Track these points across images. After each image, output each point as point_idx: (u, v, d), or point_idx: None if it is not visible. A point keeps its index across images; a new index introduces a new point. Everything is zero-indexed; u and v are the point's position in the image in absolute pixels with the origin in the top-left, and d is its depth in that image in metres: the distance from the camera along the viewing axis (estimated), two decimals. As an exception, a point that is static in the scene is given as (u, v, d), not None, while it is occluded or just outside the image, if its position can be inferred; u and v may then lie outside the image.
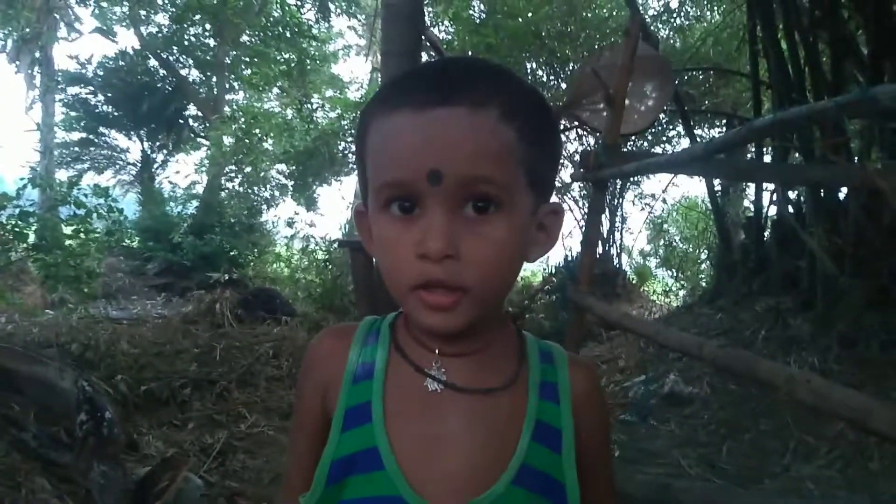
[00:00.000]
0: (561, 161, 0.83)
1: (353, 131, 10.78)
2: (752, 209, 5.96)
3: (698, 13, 9.04)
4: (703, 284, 8.35)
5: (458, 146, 0.64)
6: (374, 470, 0.70)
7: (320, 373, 0.78)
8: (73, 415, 2.88)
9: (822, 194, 4.39)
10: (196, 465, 3.17)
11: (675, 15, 8.93)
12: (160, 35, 13.03)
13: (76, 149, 13.33)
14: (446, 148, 0.64)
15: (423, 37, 4.85)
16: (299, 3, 12.85)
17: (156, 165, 13.65)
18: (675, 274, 10.68)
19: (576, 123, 8.10)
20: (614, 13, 8.30)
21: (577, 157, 8.20)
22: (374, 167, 0.69)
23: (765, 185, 5.66)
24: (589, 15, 8.19)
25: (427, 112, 0.65)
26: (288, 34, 12.51)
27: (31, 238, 7.64)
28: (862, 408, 1.55)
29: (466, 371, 0.73)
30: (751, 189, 7.06)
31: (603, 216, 7.43)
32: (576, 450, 0.74)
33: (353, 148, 0.79)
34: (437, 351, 0.74)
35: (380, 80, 6.34)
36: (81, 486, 2.61)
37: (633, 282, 9.70)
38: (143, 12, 12.69)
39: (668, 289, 10.32)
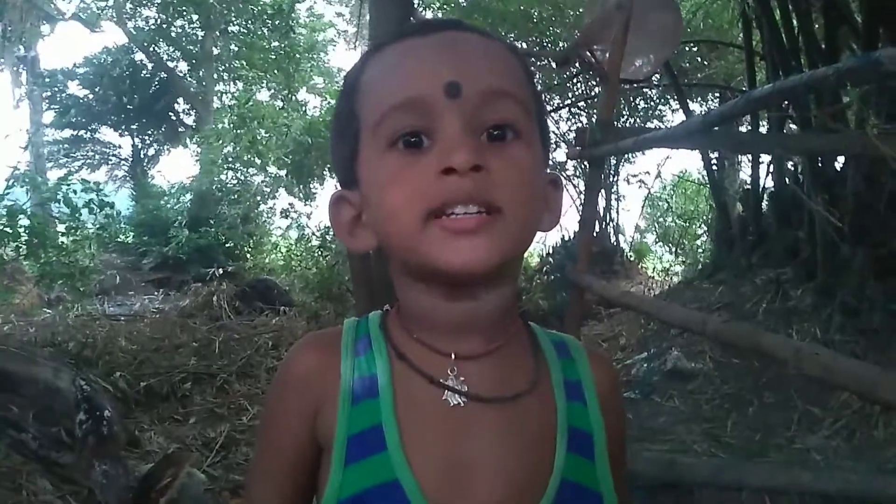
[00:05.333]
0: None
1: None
2: (749, 182, 5.93)
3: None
4: (702, 259, 8.33)
5: (475, 59, 0.59)
6: None
7: (305, 394, 0.65)
8: (72, 414, 2.85)
9: (820, 164, 4.35)
10: (199, 460, 3.16)
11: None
12: (147, 28, 12.90)
13: (67, 146, 13.25)
14: (463, 61, 0.58)
15: (412, 21, 4.77)
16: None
17: (147, 160, 13.57)
18: (672, 250, 10.66)
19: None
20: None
21: (571, 136, 8.17)
22: (374, 99, 0.60)
23: (761, 157, 5.62)
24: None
25: (436, 34, 0.61)
26: (276, 22, 12.37)
27: (24, 238, 7.59)
28: (869, 379, 1.53)
29: (487, 377, 0.63)
30: (746, 162, 7.04)
31: (599, 194, 7.41)
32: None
33: (332, 122, 0.69)
34: (452, 356, 0.62)
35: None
36: (83, 486, 2.60)
37: (632, 259, 9.69)
38: (129, 5, 12.56)
39: (666, 265, 10.31)
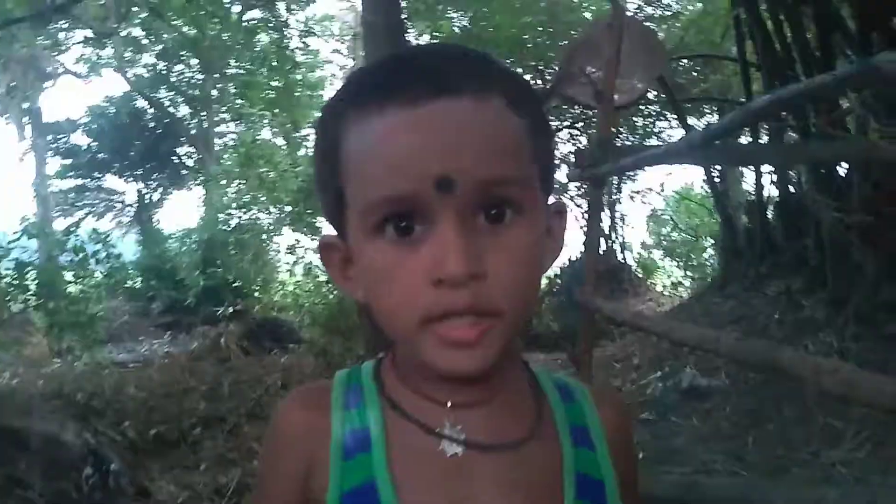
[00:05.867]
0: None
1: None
2: (753, 193, 5.89)
3: (676, 3, 9.01)
4: (710, 273, 8.27)
5: (467, 144, 0.53)
6: None
7: (294, 454, 0.62)
8: (79, 468, 2.81)
9: (823, 171, 4.31)
10: (211, 508, 3.10)
11: (654, 6, 8.92)
12: (147, 76, 13.08)
13: (72, 196, 13.36)
14: (454, 148, 0.52)
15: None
16: (283, 32, 12.87)
17: (152, 205, 13.66)
18: (680, 264, 10.60)
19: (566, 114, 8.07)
20: (595, 7, 8.31)
21: (571, 157, 8.17)
22: (360, 183, 0.55)
23: (763, 167, 5.59)
24: (572, 17, 8.20)
25: (423, 106, 0.53)
26: (274, 62, 12.52)
27: (32, 289, 7.62)
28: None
29: (486, 423, 0.60)
30: (748, 173, 7.01)
31: (602, 213, 7.38)
32: None
33: (314, 164, 0.65)
34: (448, 404, 0.60)
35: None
36: (92, 542, 2.54)
37: (640, 276, 9.63)
38: (128, 54, 12.74)
39: (675, 280, 10.24)
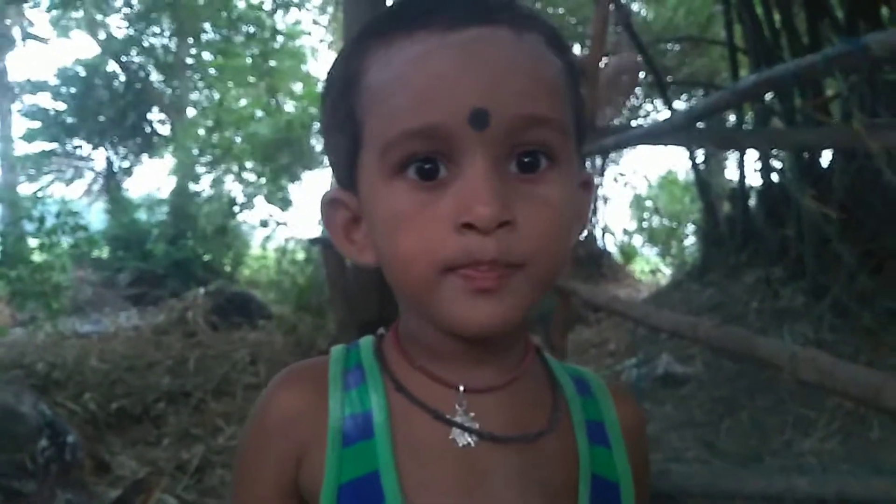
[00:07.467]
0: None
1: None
2: (736, 180, 5.86)
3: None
4: (690, 260, 8.27)
5: (506, 76, 0.48)
6: None
7: (286, 439, 0.55)
8: (35, 440, 2.71)
9: (807, 159, 4.29)
10: (172, 484, 3.01)
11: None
12: (119, 38, 12.66)
13: (38, 160, 12.93)
14: (491, 79, 0.48)
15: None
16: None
17: (122, 172, 13.26)
18: (661, 251, 10.61)
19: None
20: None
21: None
22: (383, 115, 0.50)
23: (746, 154, 5.55)
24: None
25: (458, 31, 0.48)
26: (251, 29, 12.22)
27: (-5, 255, 7.39)
28: (871, 385, 1.44)
29: (500, 412, 0.55)
30: (732, 160, 6.99)
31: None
32: None
33: (325, 107, 0.58)
34: (461, 388, 0.54)
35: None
36: (44, 518, 2.45)
37: (619, 261, 9.63)
38: (99, 16, 12.32)
39: (654, 267, 10.25)
